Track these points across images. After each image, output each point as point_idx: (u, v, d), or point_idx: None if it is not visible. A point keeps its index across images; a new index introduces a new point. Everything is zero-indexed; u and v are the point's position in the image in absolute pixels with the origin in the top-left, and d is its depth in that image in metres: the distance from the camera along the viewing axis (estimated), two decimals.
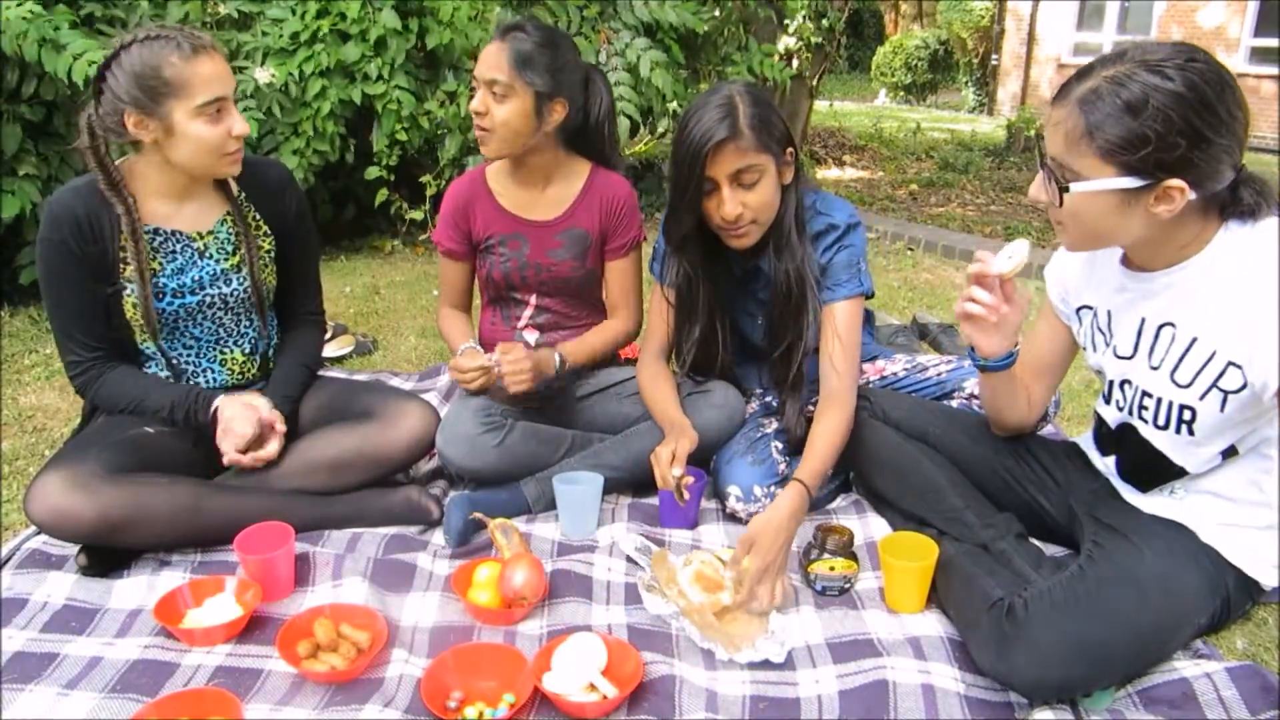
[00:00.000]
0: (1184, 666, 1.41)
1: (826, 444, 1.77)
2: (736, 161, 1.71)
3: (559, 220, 2.06)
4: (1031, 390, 1.68)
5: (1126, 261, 1.45)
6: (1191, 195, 1.26)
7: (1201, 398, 1.37)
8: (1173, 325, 1.40)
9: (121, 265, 1.75)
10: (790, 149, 1.80)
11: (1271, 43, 10.32)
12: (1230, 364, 1.33)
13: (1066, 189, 1.31)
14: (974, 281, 1.45)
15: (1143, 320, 1.44)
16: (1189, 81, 1.22)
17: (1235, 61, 10.62)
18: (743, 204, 1.75)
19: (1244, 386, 1.32)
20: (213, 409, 1.79)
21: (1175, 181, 1.24)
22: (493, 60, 1.89)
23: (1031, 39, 12.80)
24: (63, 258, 1.71)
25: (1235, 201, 1.31)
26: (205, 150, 1.71)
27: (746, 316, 2.03)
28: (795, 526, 1.64)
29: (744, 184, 1.74)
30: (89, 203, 1.72)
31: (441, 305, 2.19)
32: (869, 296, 1.91)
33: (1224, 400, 1.35)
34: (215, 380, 1.91)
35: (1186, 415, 1.40)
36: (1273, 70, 10.23)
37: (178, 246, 1.81)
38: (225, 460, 1.78)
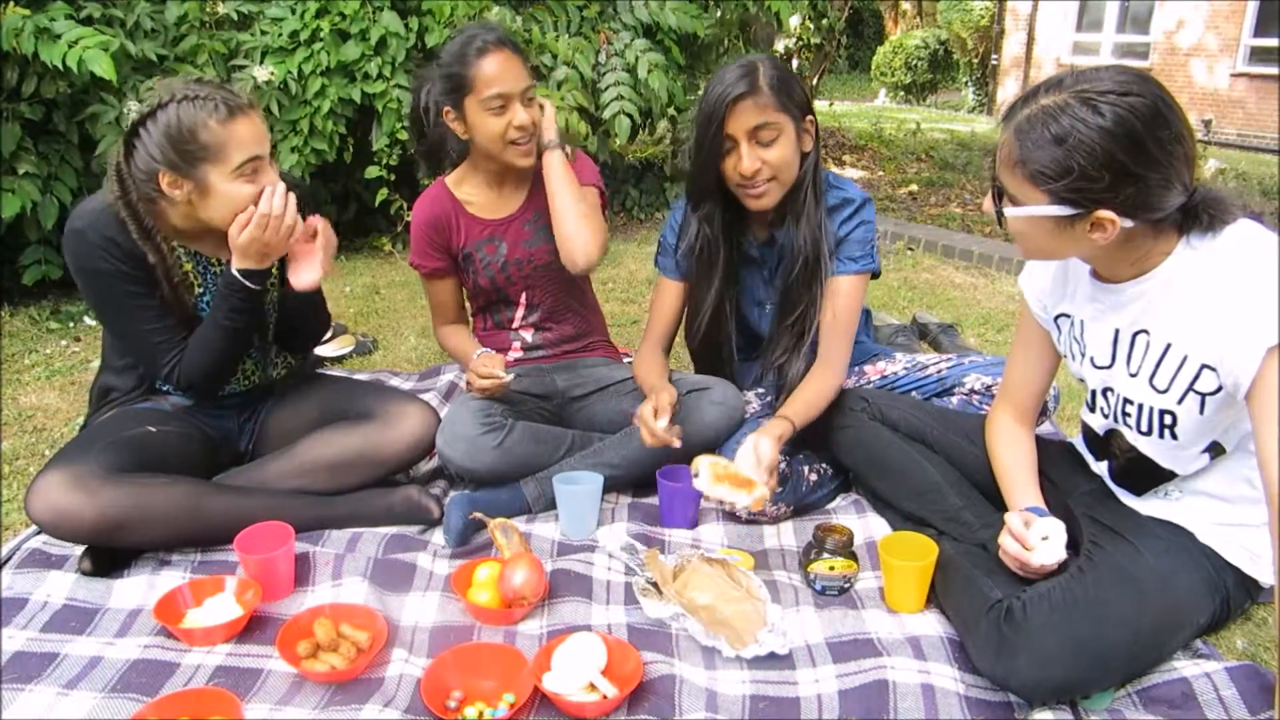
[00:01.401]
0: (1184, 666, 1.41)
1: (813, 399, 1.84)
2: (755, 117, 1.74)
3: (523, 208, 2.07)
4: (1030, 397, 1.68)
5: (1094, 273, 1.46)
6: (1127, 223, 1.27)
7: (1180, 402, 1.38)
8: (1146, 333, 1.40)
9: (168, 303, 1.76)
10: (810, 117, 1.83)
11: (1271, 43, 10.31)
12: (1204, 367, 1.33)
13: (1002, 211, 1.35)
14: (1014, 561, 1.47)
15: (1116, 331, 1.45)
16: (1118, 117, 1.22)
17: (1235, 61, 10.64)
18: (761, 160, 1.77)
19: (1219, 389, 1.33)
20: (232, 268, 1.72)
21: (1105, 213, 1.26)
22: (517, 70, 1.89)
23: (1031, 39, 12.80)
24: (123, 283, 1.70)
25: (1191, 221, 1.32)
26: (238, 209, 1.68)
27: (754, 305, 2.04)
28: (779, 447, 1.72)
29: (762, 141, 1.77)
30: (124, 232, 1.68)
31: (438, 325, 2.20)
32: (875, 276, 1.95)
33: (1202, 403, 1.36)
34: (224, 388, 1.91)
35: (1167, 420, 1.41)
36: (1273, 70, 10.23)
37: (198, 268, 1.81)
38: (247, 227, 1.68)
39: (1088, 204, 1.26)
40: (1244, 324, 1.25)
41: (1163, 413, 1.41)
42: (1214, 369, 1.32)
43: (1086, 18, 12.41)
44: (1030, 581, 1.46)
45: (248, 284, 1.73)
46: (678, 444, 1.80)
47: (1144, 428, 1.45)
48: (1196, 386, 1.35)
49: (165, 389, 1.88)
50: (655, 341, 2.08)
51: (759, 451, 1.68)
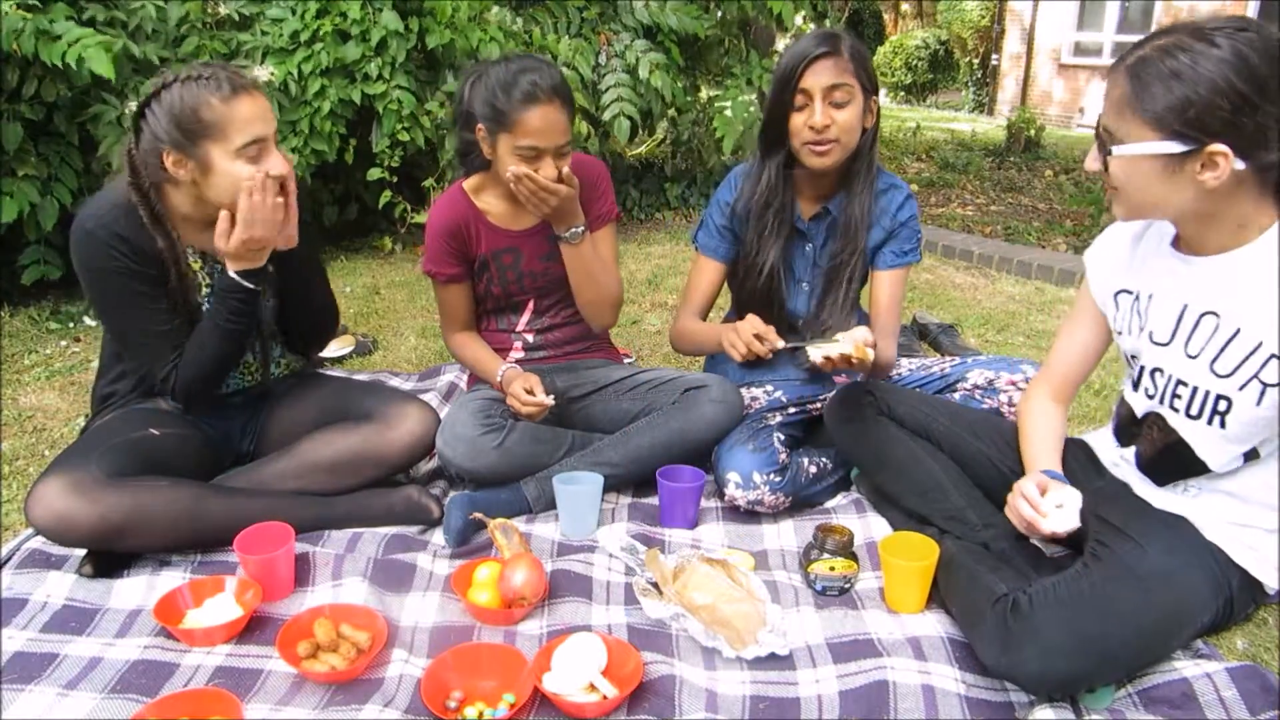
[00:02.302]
0: (1184, 666, 1.41)
1: (883, 351, 1.93)
2: (833, 77, 1.82)
3: (545, 223, 2.05)
4: (1070, 376, 1.71)
5: (1178, 243, 1.45)
6: (1238, 164, 1.26)
7: (1241, 389, 1.38)
8: (1216, 315, 1.40)
9: (175, 297, 1.75)
10: (875, 97, 1.91)
11: None
12: (1274, 357, 1.33)
13: (1110, 152, 1.34)
14: (1020, 522, 1.50)
15: (1184, 306, 1.44)
16: (1235, 48, 1.23)
17: None
18: (832, 119, 1.84)
19: None
20: (228, 272, 1.72)
21: (1219, 146, 1.25)
22: (560, 126, 1.86)
23: (1031, 39, 12.80)
24: (129, 278, 1.69)
25: None
26: (240, 189, 1.66)
27: (794, 283, 2.07)
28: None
29: (835, 101, 1.84)
30: (130, 221, 1.68)
31: (451, 332, 2.16)
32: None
33: (1262, 393, 1.36)
34: (229, 385, 1.91)
35: (1222, 406, 1.40)
36: None
37: (206, 266, 1.81)
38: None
39: (1203, 138, 1.26)
40: None
41: (1219, 398, 1.40)
42: None
43: (1086, 18, 12.41)
44: (1038, 572, 1.46)
45: (246, 284, 1.73)
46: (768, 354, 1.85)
47: (1194, 411, 1.44)
48: (1262, 375, 1.35)
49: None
50: (693, 314, 2.14)
51: (853, 333, 1.76)
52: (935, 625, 1.55)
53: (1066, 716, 1.35)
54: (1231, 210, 1.34)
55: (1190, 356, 1.43)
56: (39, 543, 1.77)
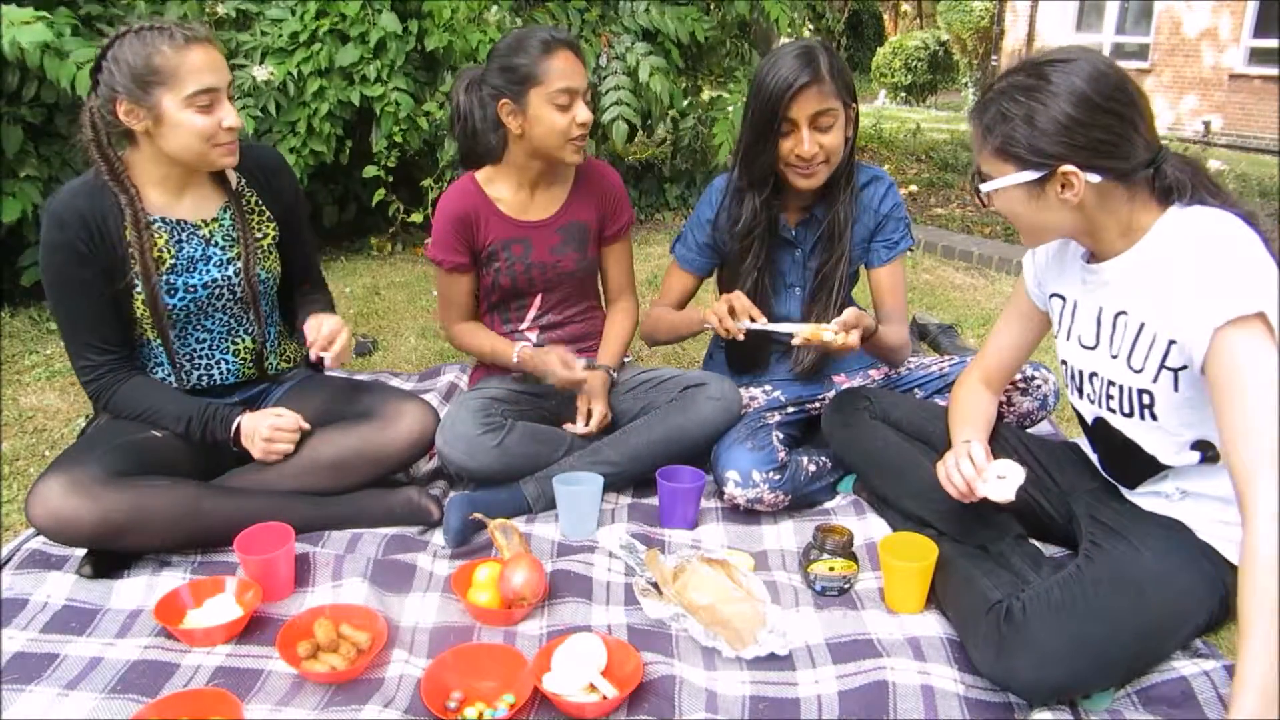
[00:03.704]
0: (1182, 665, 1.42)
1: (893, 335, 1.95)
2: (818, 104, 1.81)
3: (557, 215, 2.07)
4: (1002, 366, 1.75)
5: (1088, 257, 1.51)
6: (1092, 178, 1.32)
7: (1155, 380, 1.41)
8: (1125, 313, 1.45)
9: (131, 260, 1.74)
10: (854, 104, 1.91)
11: (1271, 43, 10.32)
12: (1170, 342, 1.37)
13: (979, 192, 1.42)
14: (963, 487, 1.55)
15: (1100, 309, 1.49)
16: (1063, 79, 1.31)
17: (1235, 61, 10.64)
18: (819, 144, 1.83)
19: (1186, 365, 1.36)
20: (234, 426, 1.81)
21: (1067, 167, 1.32)
22: (581, 69, 1.91)
23: (1031, 40, 12.81)
24: (70, 259, 1.70)
25: (1161, 179, 1.36)
26: (195, 140, 1.69)
27: (784, 289, 2.07)
28: (863, 317, 1.79)
29: (821, 127, 1.84)
30: (92, 199, 1.71)
31: (452, 322, 2.16)
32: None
33: (1175, 380, 1.39)
34: (229, 370, 1.91)
35: (1145, 400, 1.44)
36: (1272, 70, 10.24)
37: (183, 235, 1.80)
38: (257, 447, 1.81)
39: (1050, 162, 1.32)
40: (1196, 301, 1.29)
41: (1141, 392, 1.44)
42: (1176, 343, 1.36)
43: (1086, 18, 12.42)
44: (1037, 573, 1.46)
45: (231, 445, 1.82)
46: (740, 333, 1.80)
47: (1126, 409, 1.48)
48: (1167, 363, 1.39)
49: (162, 376, 1.88)
50: (667, 307, 2.17)
51: (842, 315, 1.75)
52: (935, 625, 1.55)
53: (1065, 717, 1.35)
54: (1110, 219, 1.39)
55: (1113, 357, 1.48)
56: (39, 543, 1.77)
